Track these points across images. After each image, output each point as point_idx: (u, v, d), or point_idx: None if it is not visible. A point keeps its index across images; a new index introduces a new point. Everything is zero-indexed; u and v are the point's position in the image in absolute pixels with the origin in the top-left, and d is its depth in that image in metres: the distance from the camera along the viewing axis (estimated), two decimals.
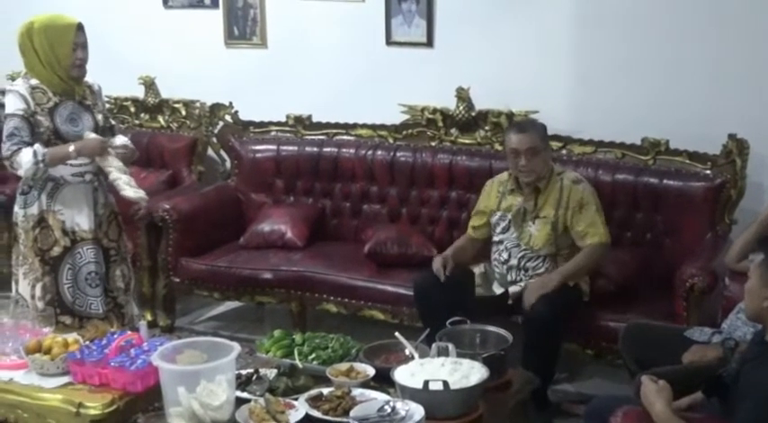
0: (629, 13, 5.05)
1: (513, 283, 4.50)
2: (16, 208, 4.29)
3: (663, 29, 4.98)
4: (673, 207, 4.81)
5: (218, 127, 6.02)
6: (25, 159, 4.02)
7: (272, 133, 5.88)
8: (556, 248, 4.47)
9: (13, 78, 6.34)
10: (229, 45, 6.15)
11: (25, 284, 4.26)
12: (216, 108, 6.00)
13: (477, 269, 4.57)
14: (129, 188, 4.23)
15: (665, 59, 4.99)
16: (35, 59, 4.14)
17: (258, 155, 5.81)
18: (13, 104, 4.11)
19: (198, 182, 5.98)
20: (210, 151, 6.13)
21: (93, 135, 4.19)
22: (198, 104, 6.09)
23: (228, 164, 6.00)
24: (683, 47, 4.94)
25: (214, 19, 6.12)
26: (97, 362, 3.47)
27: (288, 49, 5.96)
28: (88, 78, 4.32)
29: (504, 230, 4.56)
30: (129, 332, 3.78)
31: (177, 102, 6.15)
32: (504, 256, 4.55)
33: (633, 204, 4.92)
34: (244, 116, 5.93)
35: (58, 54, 4.11)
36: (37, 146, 4.04)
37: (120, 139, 4.39)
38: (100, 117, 4.34)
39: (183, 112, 6.13)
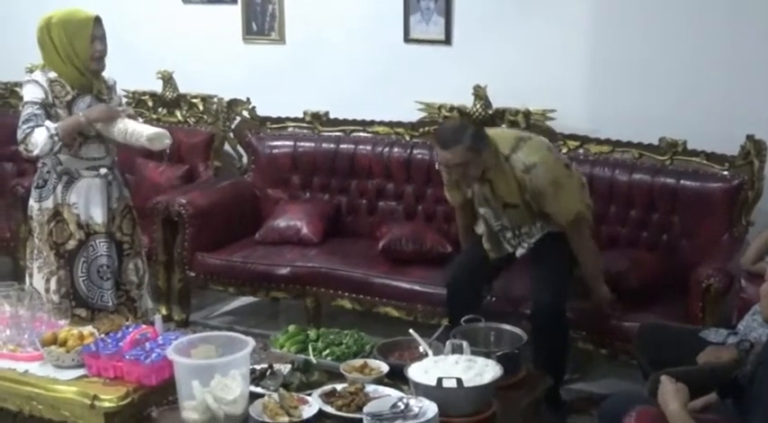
0: (647, 13, 5.03)
1: (518, 244, 4.45)
2: (31, 201, 4.31)
3: (681, 29, 4.96)
4: (690, 208, 4.79)
5: (236, 122, 6.03)
6: (39, 137, 4.03)
7: (289, 129, 5.89)
8: (542, 220, 4.36)
9: (31, 70, 6.39)
10: (247, 40, 6.15)
11: (39, 278, 4.28)
12: (233, 103, 6.01)
13: (479, 228, 4.52)
14: (149, 129, 4.20)
15: (684, 59, 4.98)
16: (54, 53, 4.15)
17: (275, 151, 5.82)
18: (31, 93, 4.13)
19: (214, 177, 5.99)
20: (227, 146, 6.14)
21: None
22: (215, 100, 6.09)
23: (245, 159, 6.02)
24: (701, 47, 4.93)
25: (233, 14, 6.13)
26: (112, 355, 3.49)
27: (306, 45, 5.96)
28: (104, 73, 4.33)
29: (481, 205, 4.43)
30: (144, 326, 3.79)
31: (195, 97, 6.16)
32: (497, 225, 4.44)
33: (650, 205, 4.90)
34: (261, 112, 5.94)
35: (77, 47, 4.12)
36: (47, 122, 4.05)
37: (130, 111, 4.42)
38: None
39: (201, 108, 6.14)
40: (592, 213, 4.47)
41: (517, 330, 3.77)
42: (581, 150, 5.10)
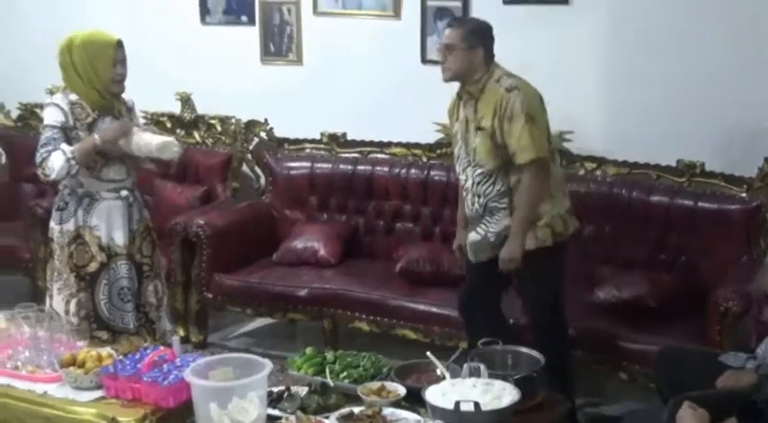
0: (664, 34, 5.04)
1: (475, 224, 4.29)
2: (52, 223, 4.33)
3: (699, 50, 4.96)
4: (708, 230, 4.77)
5: (253, 143, 6.06)
6: (56, 162, 4.05)
7: (307, 150, 5.91)
8: (501, 161, 4.15)
9: (52, 92, 6.43)
10: (265, 61, 6.19)
11: (59, 300, 4.29)
12: (251, 124, 6.04)
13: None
14: (158, 138, 4.20)
15: (701, 81, 4.97)
16: (74, 75, 4.18)
17: (292, 172, 5.83)
18: (51, 116, 4.15)
19: (232, 198, 6.01)
20: (245, 167, 6.16)
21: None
22: (233, 120, 6.12)
23: (263, 180, 6.04)
24: (719, 69, 4.92)
25: (251, 35, 6.16)
26: (130, 376, 3.49)
27: (323, 66, 5.99)
28: (124, 94, 4.35)
29: (457, 143, 4.35)
30: (162, 347, 3.80)
31: (213, 118, 6.19)
32: (463, 178, 4.31)
33: (668, 226, 4.89)
34: (279, 133, 5.97)
35: (98, 70, 4.15)
36: (63, 145, 4.07)
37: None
38: None
39: (219, 128, 6.17)
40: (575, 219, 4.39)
41: (535, 353, 3.75)
42: (598, 172, 5.10)
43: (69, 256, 4.25)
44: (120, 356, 3.68)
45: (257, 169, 6.09)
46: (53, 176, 4.10)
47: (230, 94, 6.16)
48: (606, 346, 4.47)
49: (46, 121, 4.17)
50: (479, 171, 4.20)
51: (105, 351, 3.74)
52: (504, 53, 5.39)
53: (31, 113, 6.71)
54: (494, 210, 4.20)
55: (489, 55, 4.25)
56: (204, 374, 3.34)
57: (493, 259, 4.23)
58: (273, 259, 5.52)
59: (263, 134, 6.02)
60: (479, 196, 4.22)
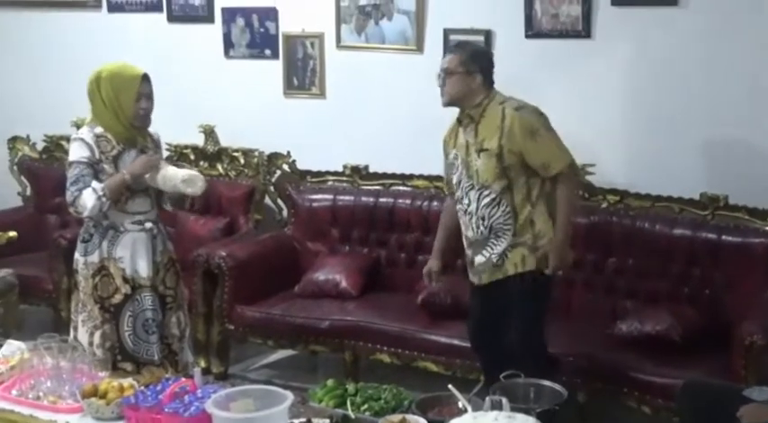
0: (688, 67, 5.04)
1: (479, 247, 4.32)
2: (77, 255, 4.36)
3: (722, 82, 4.96)
4: (731, 263, 4.74)
5: (276, 176, 6.09)
6: (88, 200, 4.10)
7: (329, 183, 5.92)
8: (506, 181, 4.20)
9: (77, 125, 6.49)
10: (288, 95, 6.22)
11: (83, 331, 4.31)
12: (274, 157, 6.08)
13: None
14: (183, 172, 4.24)
15: (725, 113, 4.97)
16: (102, 107, 4.22)
17: (315, 204, 5.85)
18: (78, 152, 4.19)
19: (254, 230, 6.03)
20: (268, 199, 6.19)
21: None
22: (256, 153, 6.15)
23: (285, 212, 6.06)
24: (743, 101, 4.92)
25: (274, 69, 6.20)
26: (151, 407, 3.48)
27: (346, 99, 6.02)
28: (150, 127, 4.39)
29: (457, 169, 4.36)
30: (184, 379, 3.79)
31: (236, 150, 6.22)
32: (465, 202, 4.32)
33: (691, 260, 4.86)
34: (301, 165, 5.99)
35: (123, 103, 4.19)
36: (94, 183, 4.12)
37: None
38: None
39: (242, 161, 6.20)
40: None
41: (557, 386, 3.73)
42: (621, 205, 5.09)
43: (94, 288, 4.28)
44: (142, 387, 3.69)
45: (279, 201, 6.12)
46: (86, 214, 4.16)
47: (253, 126, 6.20)
48: (629, 380, 4.44)
49: (72, 158, 4.20)
50: (484, 193, 4.23)
51: (127, 382, 3.74)
52: (527, 86, 5.42)
53: (56, 146, 6.77)
54: (499, 231, 4.25)
55: (488, 80, 4.31)
56: (225, 406, 3.33)
57: (494, 282, 4.31)
58: (295, 291, 5.52)
59: (285, 166, 6.05)
60: (484, 219, 4.25)
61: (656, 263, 4.95)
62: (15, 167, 6.86)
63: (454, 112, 5.49)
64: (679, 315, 4.60)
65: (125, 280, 4.28)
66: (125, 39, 6.52)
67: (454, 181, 4.40)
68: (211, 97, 6.38)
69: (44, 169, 6.76)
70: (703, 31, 4.97)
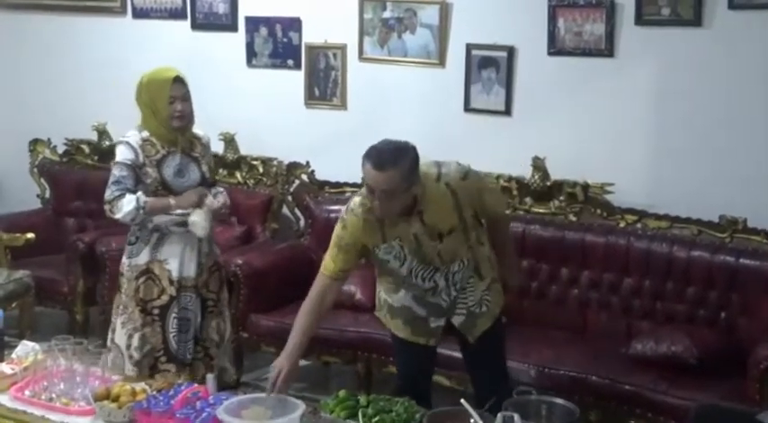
0: (708, 87, 5.03)
1: (453, 309, 4.03)
2: (123, 258, 4.42)
3: (743, 104, 4.95)
4: (749, 287, 4.72)
5: (294, 185, 6.10)
6: (127, 206, 4.18)
7: (347, 194, 5.92)
8: (467, 244, 3.90)
9: (98, 130, 6.56)
10: (309, 105, 6.23)
11: (122, 333, 4.37)
12: (293, 167, 6.09)
13: (398, 299, 4.08)
14: (196, 213, 4.31)
15: (746, 136, 4.96)
16: (146, 111, 4.33)
17: (332, 215, 5.83)
18: (122, 154, 4.27)
19: (271, 239, 6.04)
20: (285, 209, 6.20)
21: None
22: (275, 162, 6.17)
23: (302, 222, 6.06)
24: (763, 125, 4.89)
25: (296, 79, 6.22)
26: (163, 412, 3.50)
27: (367, 111, 6.02)
28: (199, 131, 4.49)
29: (402, 260, 3.86)
30: (196, 385, 3.81)
31: (255, 159, 6.24)
32: (430, 284, 3.92)
33: (708, 282, 4.84)
34: (320, 176, 6.00)
35: (158, 106, 4.28)
36: (140, 193, 4.21)
37: (221, 199, 4.50)
38: (206, 169, 4.47)
39: (261, 170, 6.21)
40: None
41: (569, 405, 3.72)
42: (639, 225, 5.08)
43: (136, 291, 4.33)
44: (154, 392, 3.70)
45: (297, 211, 6.12)
46: (118, 216, 4.23)
47: (273, 136, 6.22)
48: (643, 400, 4.42)
49: (117, 159, 4.30)
50: (453, 267, 3.92)
51: (139, 386, 3.76)
52: (548, 103, 5.44)
53: (76, 149, 6.79)
54: (466, 285, 3.99)
55: (419, 177, 3.73)
56: (237, 413, 3.35)
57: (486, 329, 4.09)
58: None
59: (304, 177, 6.06)
60: (455, 285, 3.97)
61: (672, 284, 4.93)
62: (35, 170, 6.89)
63: (472, 127, 5.51)
64: (695, 337, 4.58)
65: (170, 282, 4.34)
66: (149, 45, 6.55)
67: (402, 272, 3.91)
68: (233, 105, 6.40)
69: (64, 173, 6.79)
70: (726, 53, 4.96)
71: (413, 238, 3.81)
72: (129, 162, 4.24)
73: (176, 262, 4.34)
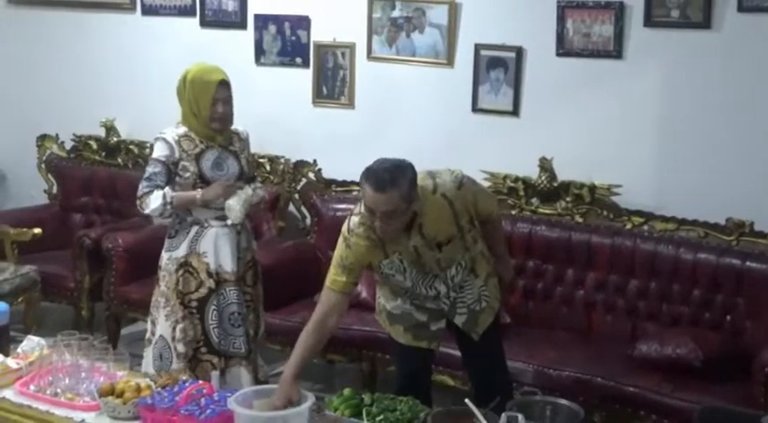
0: (717, 90, 5.02)
1: (453, 309, 4.05)
2: (162, 251, 4.48)
3: (751, 107, 4.95)
4: (755, 290, 4.71)
5: (301, 184, 6.10)
6: (155, 201, 4.27)
7: (354, 193, 5.92)
8: (465, 248, 3.93)
9: (106, 126, 6.57)
10: (317, 104, 6.23)
11: (167, 326, 4.44)
12: (300, 165, 6.09)
13: (397, 305, 4.12)
14: (232, 198, 4.38)
15: (753, 139, 4.95)
16: (186, 106, 4.39)
17: (338, 213, 5.84)
18: (159, 150, 4.36)
19: (278, 237, 6.04)
20: (292, 207, 6.20)
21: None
22: (282, 160, 6.17)
23: (309, 220, 6.07)
24: None
25: (304, 78, 6.22)
26: (167, 409, 3.50)
27: (375, 110, 6.02)
28: (238, 126, 4.57)
29: (403, 273, 3.92)
30: (201, 381, 3.82)
31: (263, 157, 6.24)
32: (432, 292, 3.97)
33: (714, 285, 4.84)
34: (327, 174, 6.00)
35: (200, 106, 4.35)
36: (167, 189, 4.28)
37: (260, 193, 4.59)
38: (244, 163, 4.53)
39: (268, 168, 6.22)
40: None
41: (574, 406, 3.71)
42: (645, 227, 5.07)
43: (176, 283, 4.37)
44: (159, 388, 3.70)
45: (303, 209, 6.13)
46: (147, 211, 4.34)
47: (281, 134, 6.21)
48: (647, 402, 4.41)
49: (153, 155, 4.39)
50: (450, 271, 3.95)
51: (144, 382, 3.76)
52: (556, 104, 5.44)
53: (84, 145, 6.80)
54: (464, 284, 4.02)
55: (417, 192, 3.72)
56: (248, 405, 3.38)
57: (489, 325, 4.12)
58: (315, 299, 5.46)
59: (311, 175, 6.06)
60: (454, 288, 4.00)
61: (678, 287, 4.93)
62: (43, 165, 6.90)
63: (480, 127, 5.51)
64: (700, 340, 4.57)
65: (209, 274, 4.39)
66: (158, 42, 6.56)
67: (406, 284, 3.96)
68: (240, 103, 6.34)
69: (71, 168, 6.80)
70: (735, 55, 4.95)
71: (413, 251, 3.84)
72: (163, 158, 4.31)
73: (215, 255, 4.39)
